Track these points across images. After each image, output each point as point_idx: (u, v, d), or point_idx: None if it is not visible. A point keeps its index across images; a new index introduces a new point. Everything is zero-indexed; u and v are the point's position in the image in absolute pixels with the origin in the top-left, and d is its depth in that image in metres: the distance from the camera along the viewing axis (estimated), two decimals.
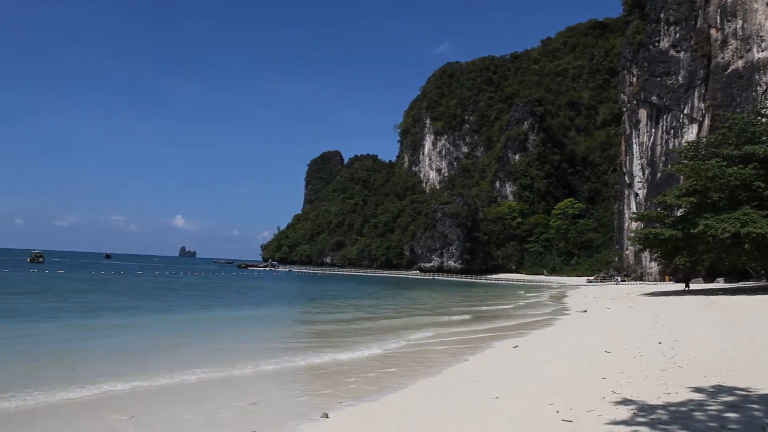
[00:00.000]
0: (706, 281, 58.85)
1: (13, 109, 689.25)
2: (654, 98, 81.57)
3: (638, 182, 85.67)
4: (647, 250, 50.33)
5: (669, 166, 55.74)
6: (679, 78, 77.46)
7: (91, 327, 20.33)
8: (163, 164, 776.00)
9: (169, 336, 18.81)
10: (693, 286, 48.46)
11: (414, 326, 23.31)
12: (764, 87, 64.89)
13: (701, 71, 74.31)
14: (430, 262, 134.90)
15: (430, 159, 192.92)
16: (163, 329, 20.75)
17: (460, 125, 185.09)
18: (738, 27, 69.09)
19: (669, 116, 79.11)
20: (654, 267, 77.28)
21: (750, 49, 67.44)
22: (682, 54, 77.70)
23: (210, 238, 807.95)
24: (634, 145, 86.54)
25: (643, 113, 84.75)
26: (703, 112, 73.49)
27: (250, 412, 9.16)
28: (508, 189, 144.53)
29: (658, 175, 78.12)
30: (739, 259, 41.66)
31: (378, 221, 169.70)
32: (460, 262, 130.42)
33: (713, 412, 7.08)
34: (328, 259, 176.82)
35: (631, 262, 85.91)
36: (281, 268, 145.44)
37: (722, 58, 70.57)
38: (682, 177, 50.76)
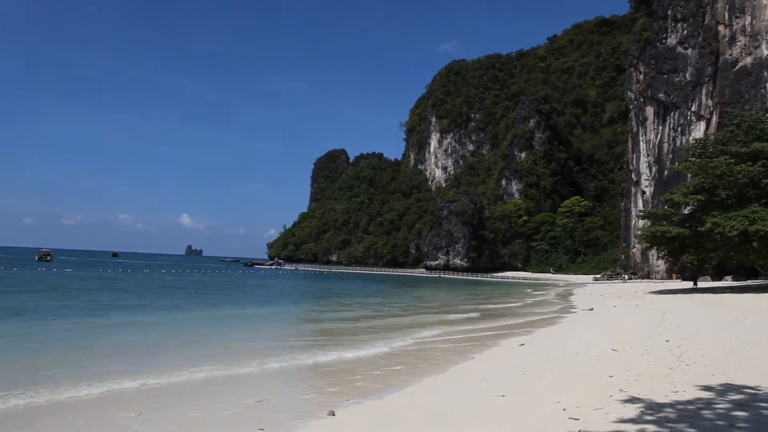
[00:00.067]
0: (713, 279, 58.52)
1: (17, 109, 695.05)
2: (661, 95, 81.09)
3: (645, 180, 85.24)
4: (654, 248, 50.12)
5: (676, 163, 55.47)
6: (687, 75, 76.95)
7: (98, 325, 20.44)
8: (169, 163, 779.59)
9: (176, 334, 18.87)
10: (701, 284, 48.22)
11: (420, 324, 23.29)
12: None
13: (709, 68, 73.77)
14: (436, 260, 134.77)
15: (435, 157, 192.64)
16: (170, 327, 20.84)
17: (465, 123, 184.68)
18: (746, 23, 68.52)
19: (676, 113, 78.64)
20: (661, 265, 76.90)
21: (759, 46, 66.87)
22: (689, 51, 77.17)
23: (216, 237, 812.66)
24: (641, 143, 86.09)
25: (650, 111, 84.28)
26: (711, 109, 72.97)
27: (257, 409, 9.18)
28: (514, 187, 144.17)
29: (665, 172, 77.72)
30: (747, 257, 41.40)
31: (384, 219, 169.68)
32: (466, 260, 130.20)
33: (722, 411, 7.03)
34: (334, 258, 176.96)
35: (638, 260, 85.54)
36: (287, 266, 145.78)
37: (730, 54, 70.02)
38: (689, 175, 50.44)
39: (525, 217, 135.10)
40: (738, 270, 56.47)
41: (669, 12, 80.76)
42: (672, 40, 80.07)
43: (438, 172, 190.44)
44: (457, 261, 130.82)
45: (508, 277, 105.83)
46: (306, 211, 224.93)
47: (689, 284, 49.64)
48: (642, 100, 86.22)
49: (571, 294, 51.98)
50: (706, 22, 75.28)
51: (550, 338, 18.07)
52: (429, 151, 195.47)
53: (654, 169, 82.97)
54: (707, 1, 75.15)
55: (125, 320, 22.28)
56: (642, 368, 10.67)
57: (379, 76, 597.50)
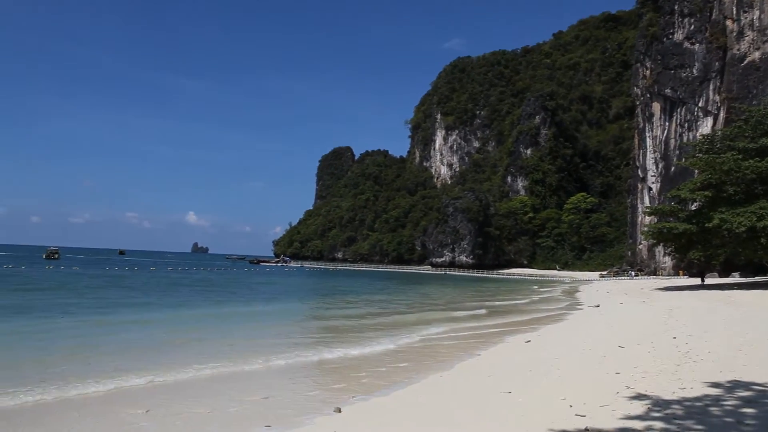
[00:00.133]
0: (721, 276, 58.22)
1: (21, 109, 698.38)
2: (668, 91, 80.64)
3: (651, 176, 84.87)
4: (661, 244, 49.94)
5: (683, 159, 55.12)
6: (694, 70, 76.49)
7: (105, 322, 20.55)
8: (174, 161, 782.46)
9: (183, 331, 18.94)
10: (708, 281, 47.97)
11: (426, 321, 23.29)
12: None
13: (716, 63, 73.28)
14: (442, 257, 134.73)
15: (441, 154, 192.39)
16: (177, 325, 20.91)
17: (471, 120, 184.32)
18: (755, 18, 68.00)
19: (683, 109, 78.20)
20: (668, 261, 76.63)
21: (767, 41, 66.38)
22: (696, 46, 76.68)
23: (222, 234, 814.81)
24: (648, 139, 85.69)
25: (656, 106, 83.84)
26: (718, 104, 72.51)
27: (263, 406, 9.20)
28: (520, 184, 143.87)
29: (672, 168, 77.32)
30: (755, 254, 41.19)
31: (389, 216, 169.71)
32: (471, 257, 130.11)
33: (729, 408, 6.99)
34: (339, 255, 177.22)
35: (644, 256, 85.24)
36: (293, 264, 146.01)
37: (738, 49, 69.52)
38: (696, 171, 50.20)
39: (531, 214, 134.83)
40: (746, 266, 56.19)
41: (676, 7, 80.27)
42: (679, 36, 79.57)
43: (443, 169, 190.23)
44: (463, 258, 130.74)
45: (513, 274, 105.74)
46: (312, 208, 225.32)
47: (696, 281, 49.40)
48: (648, 95, 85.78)
49: (578, 291, 51.87)
50: (713, 17, 74.77)
51: (556, 335, 18.03)
52: (434, 148, 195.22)
53: (660, 166, 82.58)
54: None
55: (132, 318, 22.39)
56: (649, 365, 10.63)
57: (385, 74, 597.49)
